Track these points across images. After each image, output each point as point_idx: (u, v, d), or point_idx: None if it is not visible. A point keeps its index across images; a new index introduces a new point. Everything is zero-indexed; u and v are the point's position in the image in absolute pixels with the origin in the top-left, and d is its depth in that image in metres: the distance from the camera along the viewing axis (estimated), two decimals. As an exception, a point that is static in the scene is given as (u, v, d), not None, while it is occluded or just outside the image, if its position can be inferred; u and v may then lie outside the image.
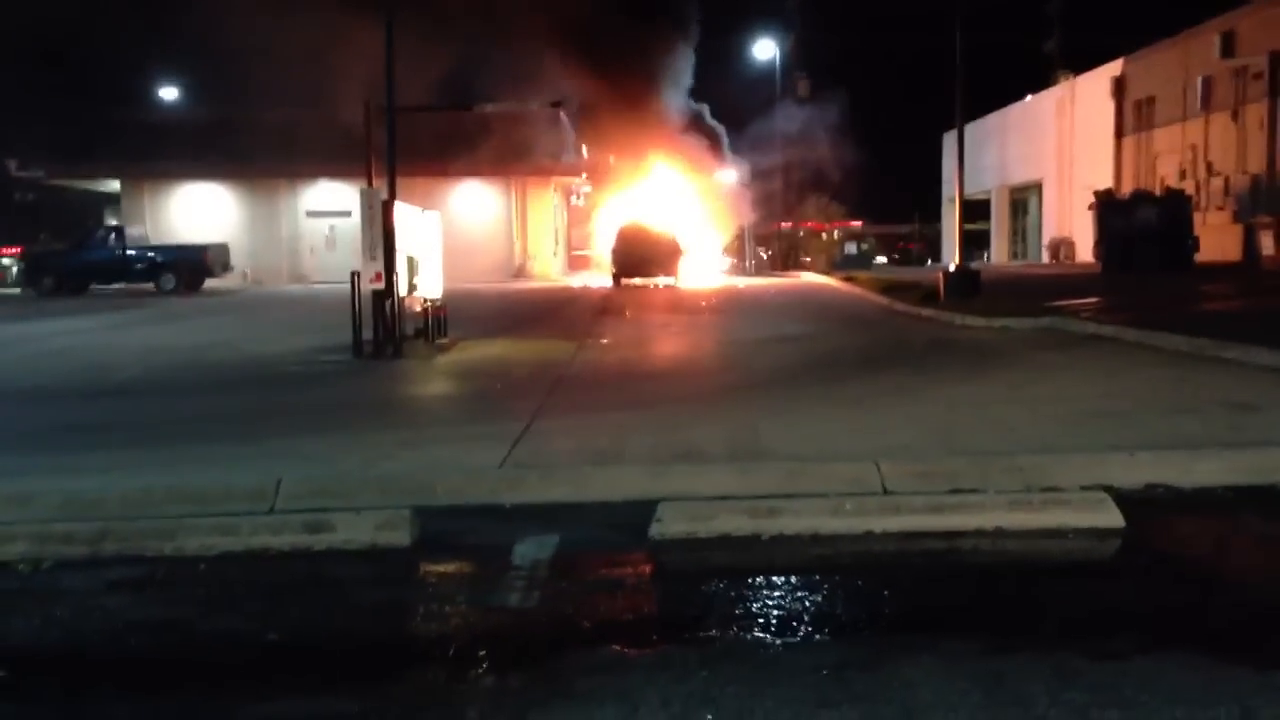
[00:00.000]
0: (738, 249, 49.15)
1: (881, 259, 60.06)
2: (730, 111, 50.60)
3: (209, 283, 32.89)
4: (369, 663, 3.91)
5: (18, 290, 36.04)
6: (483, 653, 3.90)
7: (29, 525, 5.45)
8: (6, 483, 6.12)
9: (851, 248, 53.72)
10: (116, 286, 32.57)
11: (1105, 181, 37.32)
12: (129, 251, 32.62)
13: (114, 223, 38.83)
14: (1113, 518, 5.25)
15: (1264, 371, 9.19)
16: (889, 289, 23.07)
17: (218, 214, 40.26)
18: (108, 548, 5.22)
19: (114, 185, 41.90)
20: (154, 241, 35.06)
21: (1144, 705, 3.27)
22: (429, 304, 14.18)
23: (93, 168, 40.96)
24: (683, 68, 47.24)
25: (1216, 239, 29.44)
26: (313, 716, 3.42)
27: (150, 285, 32.09)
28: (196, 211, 40.33)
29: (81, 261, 32.31)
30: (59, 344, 16.01)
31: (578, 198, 50.03)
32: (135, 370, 12.34)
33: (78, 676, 3.88)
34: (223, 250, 33.88)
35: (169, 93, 45.91)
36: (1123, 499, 5.43)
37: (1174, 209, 27.06)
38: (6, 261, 42.06)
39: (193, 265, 32.41)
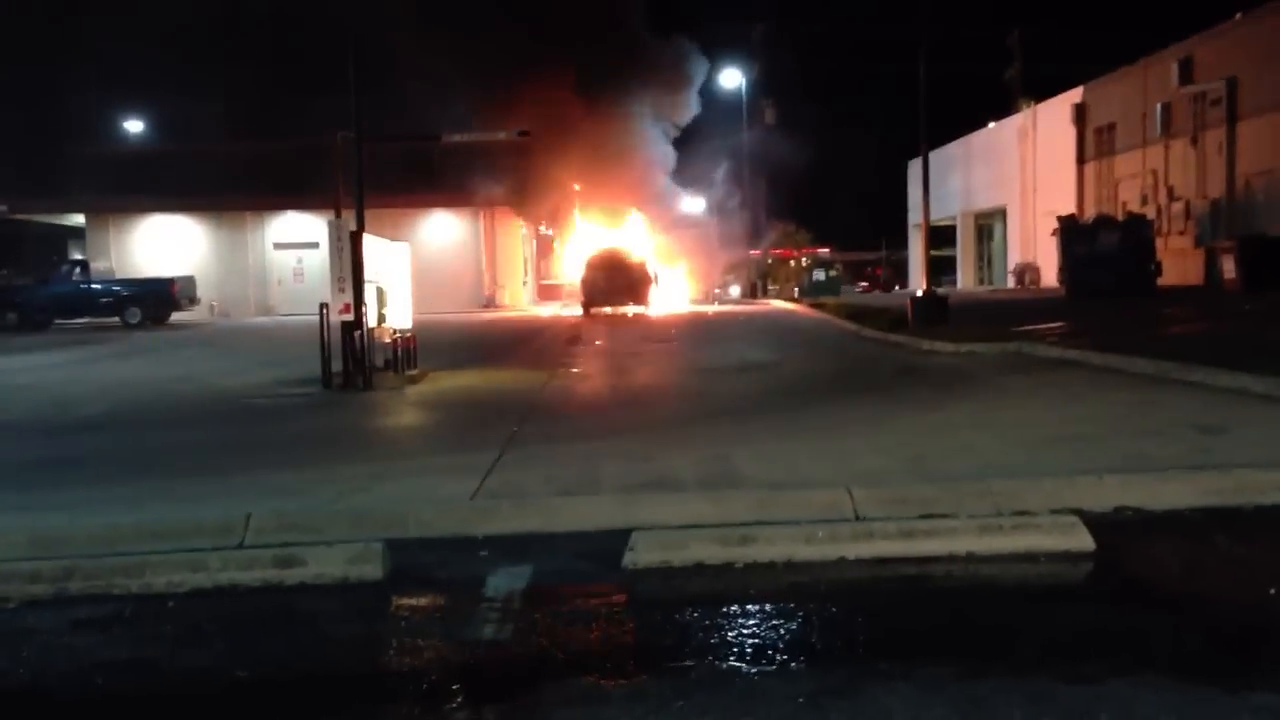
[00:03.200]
0: (705, 278, 49.31)
1: (853, 286, 60.44)
2: (696, 139, 50.84)
3: (176, 316, 32.65)
4: (343, 698, 3.87)
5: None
6: (457, 686, 3.87)
7: (-7, 564, 5.36)
8: (-30, 521, 6.03)
9: (820, 274, 53.98)
10: (82, 321, 32.24)
11: (1068, 207, 37.74)
12: (94, 286, 32.35)
13: (79, 257, 38.53)
14: (1083, 541, 5.28)
15: (1229, 394, 9.30)
16: (857, 315, 23.20)
17: (184, 247, 40.01)
18: (74, 586, 5.15)
19: (79, 219, 41.58)
20: (119, 275, 34.80)
21: (1118, 728, 3.29)
22: (398, 335, 14.14)
23: (57, 202, 40.66)
24: (652, 95, 47.43)
25: (1179, 263, 29.80)
26: (285, 754, 3.38)
27: (116, 320, 31.80)
28: (162, 245, 40.05)
29: (46, 296, 31.97)
30: (23, 379, 15.83)
31: (546, 227, 50.11)
32: (102, 406, 12.22)
33: (44, 717, 3.82)
34: (189, 283, 33.65)
35: (134, 126, 45.74)
36: (1092, 522, 5.47)
37: (1136, 234, 27.33)
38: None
39: (159, 299, 32.15)
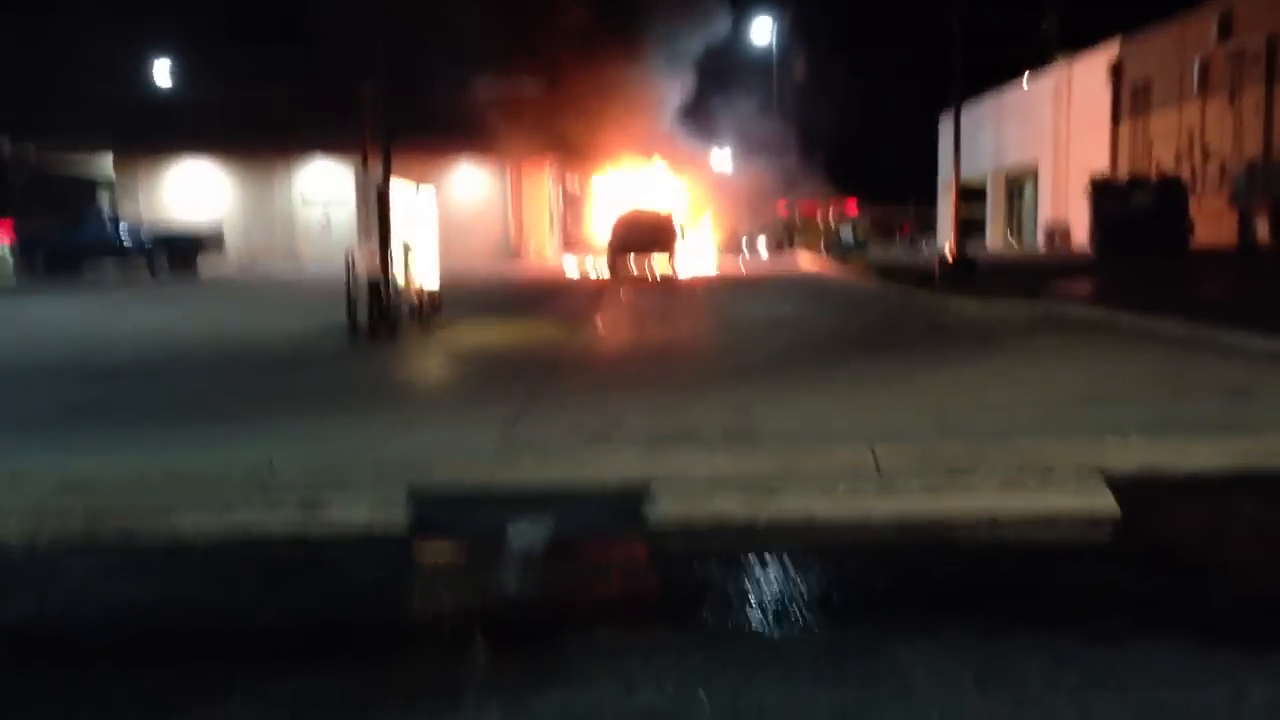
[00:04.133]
0: (732, 232, 49.08)
1: (891, 241, 60.01)
2: (727, 93, 50.41)
3: (202, 264, 32.81)
4: (365, 644, 3.91)
5: (11, 269, 35.90)
6: (479, 635, 3.90)
7: (24, 504, 5.43)
8: (1, 461, 6.11)
9: (847, 230, 53.59)
10: (110, 267, 32.46)
11: (1102, 165, 37.32)
12: (122, 232, 32.52)
13: (107, 203, 38.71)
14: (1107, 501, 5.26)
15: (1259, 357, 9.20)
16: (884, 272, 23.09)
17: (212, 194, 40.13)
18: (103, 528, 5.21)
19: (108, 165, 41.72)
20: (148, 222, 34.95)
21: (1138, 687, 3.28)
22: (423, 285, 14.15)
23: (87, 147, 40.77)
24: (680, 49, 47.01)
25: (1212, 223, 29.46)
26: (309, 696, 3.42)
27: (144, 266, 32.00)
28: (191, 193, 40.19)
29: (74, 242, 32.19)
30: (52, 325, 15.98)
31: (574, 181, 49.92)
32: (131, 351, 12.31)
33: (75, 656, 3.88)
34: (217, 231, 33.79)
35: (163, 71, 45.68)
36: (1117, 483, 5.44)
37: (1170, 193, 27.06)
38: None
39: (187, 247, 32.32)
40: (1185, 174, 31.86)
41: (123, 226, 32.71)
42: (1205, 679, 3.34)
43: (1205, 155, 33.75)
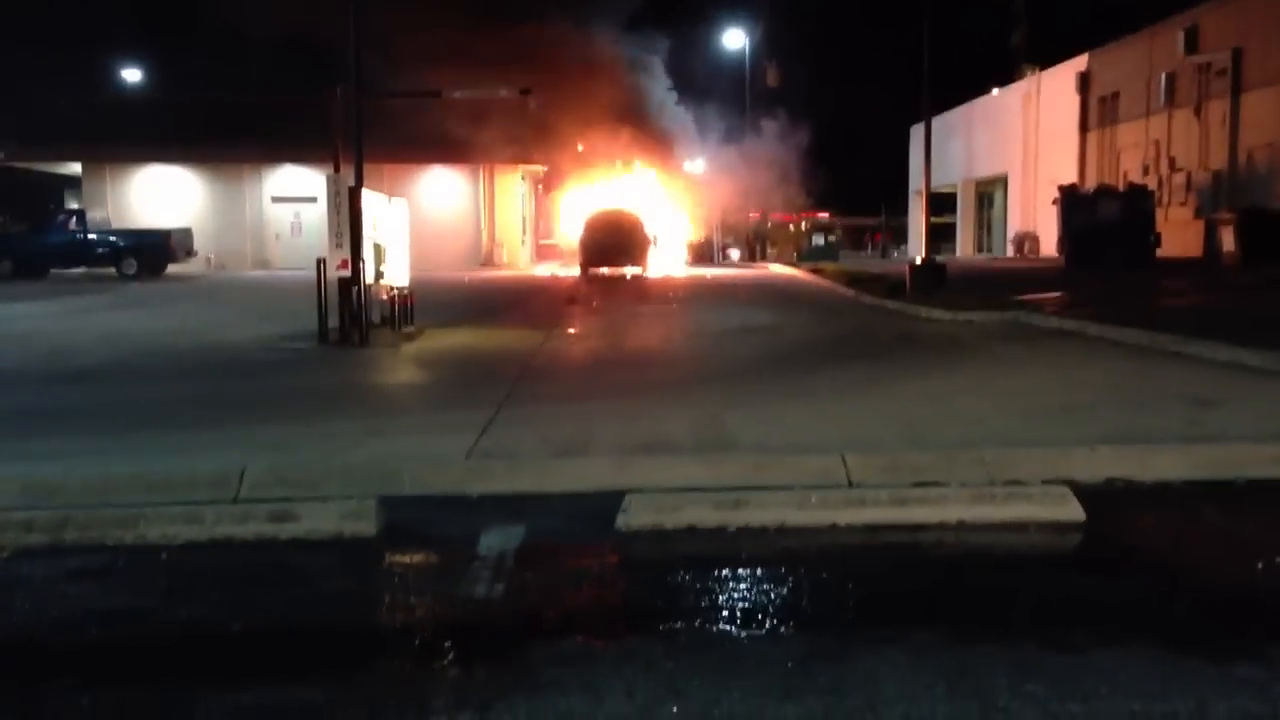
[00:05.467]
0: (704, 240, 49.18)
1: (862, 250, 60.30)
2: (699, 100, 50.56)
3: (172, 268, 32.53)
4: (334, 653, 3.90)
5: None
6: (448, 643, 3.90)
7: (-12, 513, 5.37)
8: (-35, 470, 6.03)
9: (819, 239, 53.80)
10: (77, 271, 32.13)
11: (1070, 176, 37.63)
12: (90, 235, 32.20)
13: (75, 206, 38.33)
14: (1074, 511, 5.30)
15: (1223, 367, 9.32)
16: (855, 281, 23.19)
17: (181, 198, 39.80)
18: (69, 535, 5.16)
19: (75, 168, 41.31)
20: (116, 225, 34.63)
21: (1103, 698, 3.31)
22: (396, 291, 14.11)
23: (54, 150, 40.33)
24: (653, 54, 47.18)
25: (1178, 234, 29.77)
26: (278, 707, 3.40)
27: (112, 270, 31.69)
28: (159, 195, 39.84)
29: (42, 245, 31.83)
30: (19, 328, 15.81)
31: (545, 188, 49.88)
32: (97, 356, 12.20)
33: (38, 666, 3.84)
34: (186, 235, 33.51)
35: (132, 74, 45.34)
36: (1084, 492, 5.49)
37: (1136, 204, 27.31)
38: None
39: (155, 250, 32.01)
40: (1152, 184, 32.17)
41: (90, 229, 32.39)
42: (1169, 689, 3.37)
43: (1172, 166, 34.12)
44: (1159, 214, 29.38)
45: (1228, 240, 24.73)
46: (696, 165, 51.64)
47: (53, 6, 39.85)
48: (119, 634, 4.14)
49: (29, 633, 4.18)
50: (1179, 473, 5.97)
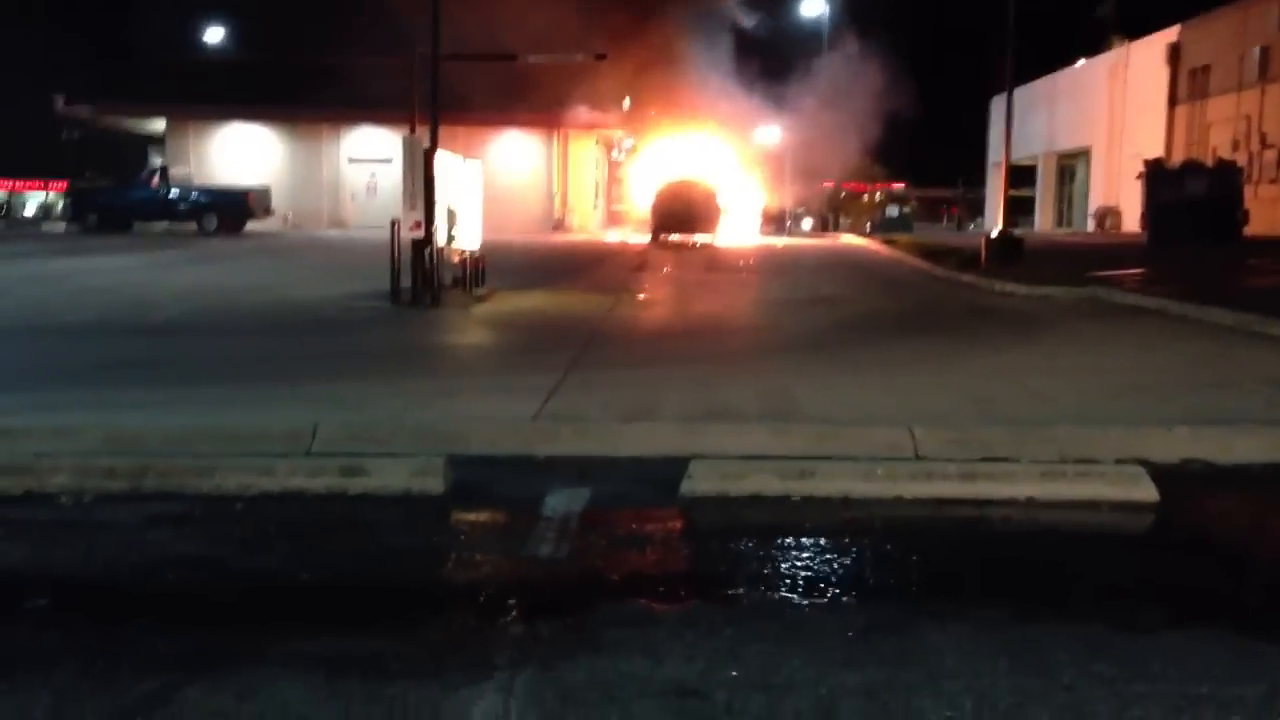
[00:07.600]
0: (777, 209, 48.80)
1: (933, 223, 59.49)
2: (776, 68, 50.03)
3: (250, 225, 33.10)
4: (400, 606, 3.96)
5: (63, 226, 36.43)
6: (512, 601, 3.94)
7: (71, 458, 5.53)
8: (50, 416, 6.22)
9: (893, 210, 53.11)
10: (159, 226, 32.82)
11: (1156, 150, 36.68)
12: (173, 191, 32.86)
13: (159, 162, 39.10)
14: (1148, 492, 5.20)
15: (1309, 349, 9.06)
16: (929, 253, 22.89)
17: (261, 157, 40.43)
18: (148, 483, 5.30)
19: (159, 125, 42.12)
20: (197, 182, 35.28)
21: (1171, 679, 3.26)
22: (467, 254, 14.21)
23: (139, 107, 41.19)
24: (729, 21, 46.72)
25: (1267, 212, 28.94)
26: (344, 655, 3.47)
27: (193, 226, 32.33)
28: (240, 154, 40.51)
29: (126, 200, 32.60)
30: (102, 281, 16.20)
31: (619, 152, 49.79)
32: (178, 310, 12.47)
33: (117, 608, 3.96)
34: (265, 193, 34.08)
35: (215, 34, 45.94)
36: (1158, 473, 5.38)
37: (1224, 180, 26.54)
38: (54, 197, 42.52)
39: (235, 207, 32.61)
40: (1242, 161, 31.25)
41: (174, 185, 33.03)
42: (1238, 673, 3.31)
43: (1263, 143, 33.11)
44: (1248, 191, 28.53)
45: (1319, 219, 23.96)
46: (771, 133, 51.16)
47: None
48: (193, 579, 4.25)
49: (110, 575, 4.31)
50: (1258, 455, 5.82)
